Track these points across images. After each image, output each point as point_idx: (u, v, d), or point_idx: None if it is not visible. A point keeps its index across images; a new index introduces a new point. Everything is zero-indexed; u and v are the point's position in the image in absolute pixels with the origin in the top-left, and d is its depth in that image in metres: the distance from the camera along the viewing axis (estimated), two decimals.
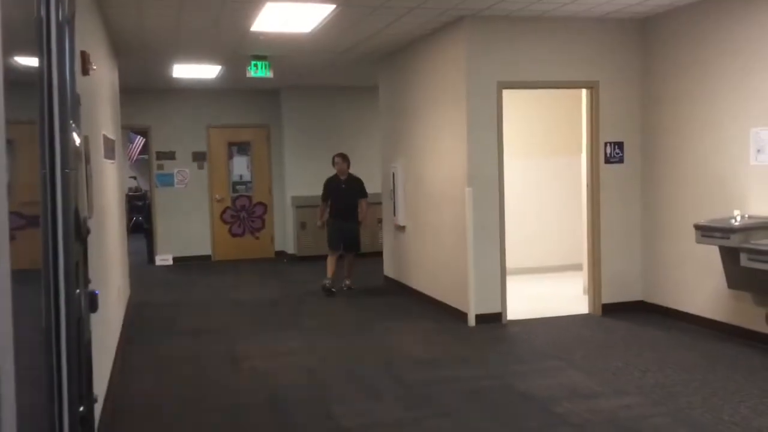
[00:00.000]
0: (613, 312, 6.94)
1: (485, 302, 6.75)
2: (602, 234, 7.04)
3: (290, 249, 11.90)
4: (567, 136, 8.86)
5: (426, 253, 7.97)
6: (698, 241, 5.82)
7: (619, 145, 7.06)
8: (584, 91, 7.11)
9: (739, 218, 5.57)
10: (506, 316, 6.80)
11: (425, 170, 7.93)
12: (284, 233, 12.13)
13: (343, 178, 8.65)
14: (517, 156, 8.90)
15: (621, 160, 7.08)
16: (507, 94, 6.87)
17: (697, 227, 5.81)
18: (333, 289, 8.39)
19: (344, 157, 8.71)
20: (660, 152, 6.86)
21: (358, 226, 8.67)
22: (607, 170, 7.04)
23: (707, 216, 5.97)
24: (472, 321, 6.69)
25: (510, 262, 7.09)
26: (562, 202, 9.27)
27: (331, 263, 8.53)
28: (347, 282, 8.70)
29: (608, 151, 7.05)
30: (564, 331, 6.43)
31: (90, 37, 5.02)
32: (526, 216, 9.15)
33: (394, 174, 8.87)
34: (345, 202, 8.56)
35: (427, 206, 7.88)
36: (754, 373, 4.97)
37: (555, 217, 9.36)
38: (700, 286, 6.34)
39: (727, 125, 6.02)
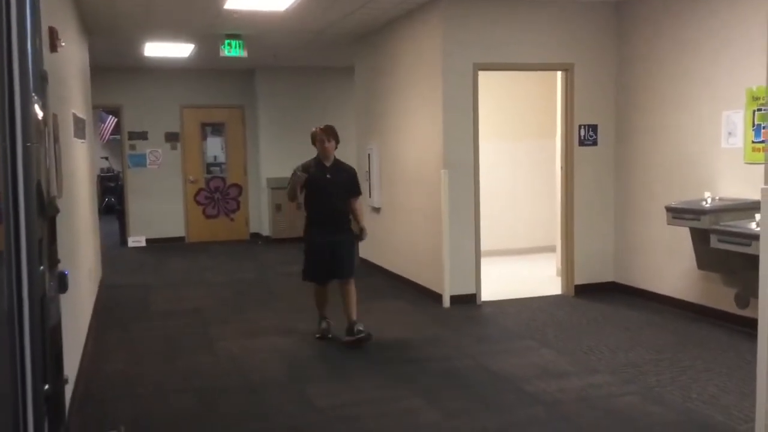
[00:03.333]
0: (585, 293, 7.02)
1: (460, 283, 6.78)
2: (575, 216, 7.10)
3: (265, 231, 11.85)
4: (542, 119, 8.90)
5: (401, 234, 7.98)
6: (669, 223, 5.90)
7: (593, 127, 7.10)
8: (559, 74, 7.13)
9: (709, 200, 5.64)
10: (480, 297, 6.85)
11: (401, 152, 7.92)
12: (259, 215, 12.06)
13: (327, 164, 5.55)
14: (493, 138, 8.92)
15: (595, 143, 7.13)
16: (483, 76, 6.86)
17: (669, 209, 5.88)
18: (330, 335, 5.72)
19: (330, 132, 5.58)
20: (633, 135, 6.92)
21: (354, 240, 5.66)
22: (581, 153, 7.08)
23: (679, 198, 6.05)
24: (446, 302, 6.73)
25: (484, 244, 7.13)
26: (536, 185, 9.33)
27: (320, 296, 5.77)
28: (357, 326, 5.51)
29: (582, 133, 7.09)
30: (537, 312, 6.49)
31: (59, 14, 4.90)
32: (500, 198, 9.20)
33: (369, 155, 8.84)
34: (331, 202, 5.48)
35: (403, 188, 7.87)
36: (723, 353, 5.07)
37: (529, 200, 9.42)
38: (671, 267, 6.44)
39: (699, 108, 6.08)
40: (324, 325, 5.78)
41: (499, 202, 9.13)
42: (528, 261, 8.87)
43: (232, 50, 8.34)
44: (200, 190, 11.94)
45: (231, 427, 4.03)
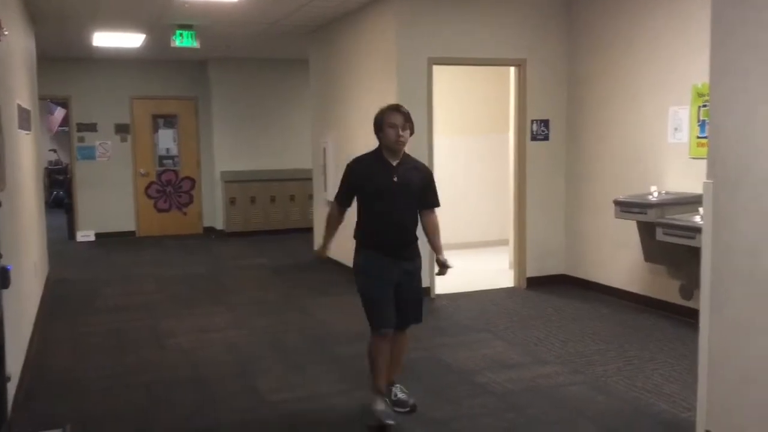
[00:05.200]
0: (537, 285, 7.13)
1: None
2: (528, 210, 7.19)
3: (219, 225, 11.70)
4: (496, 114, 8.98)
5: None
6: (617, 216, 6.02)
7: (545, 122, 7.20)
8: (512, 69, 7.21)
9: (655, 194, 5.78)
10: (434, 290, 6.88)
11: (356, 145, 7.88)
12: (213, 209, 11.90)
13: (394, 162, 3.89)
14: (447, 133, 8.98)
15: (546, 138, 7.23)
16: (437, 71, 6.89)
17: (616, 203, 6.01)
18: (390, 421, 3.79)
19: (408, 116, 3.93)
20: (583, 129, 7.04)
21: (419, 268, 4.02)
22: (534, 147, 7.18)
23: (626, 192, 6.18)
24: None
25: None
26: (490, 179, 9.42)
27: (383, 354, 3.93)
28: (397, 390, 4.06)
29: (534, 128, 7.18)
30: (490, 305, 6.56)
31: (1, 2, 4.74)
32: (455, 192, 9.25)
33: (325, 149, 8.80)
34: (399, 216, 3.88)
35: None
36: (667, 342, 5.20)
37: (483, 194, 9.50)
38: (619, 260, 6.58)
39: (646, 103, 6.22)
40: (381, 407, 3.85)
41: (453, 196, 9.17)
42: (482, 254, 8.95)
43: (184, 40, 8.20)
44: (151, 183, 11.72)
45: (180, 423, 3.98)
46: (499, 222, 8.94)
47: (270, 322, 6.11)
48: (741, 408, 3.19)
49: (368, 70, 7.43)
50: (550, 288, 7.05)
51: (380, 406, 3.87)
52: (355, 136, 7.90)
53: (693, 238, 4.80)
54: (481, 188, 9.52)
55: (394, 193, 3.82)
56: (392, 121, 3.85)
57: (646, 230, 5.78)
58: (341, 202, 4.02)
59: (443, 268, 3.98)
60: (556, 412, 3.97)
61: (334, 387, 4.47)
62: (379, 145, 3.94)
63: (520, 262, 7.28)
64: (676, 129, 5.95)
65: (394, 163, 3.87)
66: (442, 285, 6.99)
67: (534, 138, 7.18)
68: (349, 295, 7.07)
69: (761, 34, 3.01)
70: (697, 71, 5.54)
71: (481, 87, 9.27)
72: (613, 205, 6.06)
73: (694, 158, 5.70)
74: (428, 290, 6.84)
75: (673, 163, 5.97)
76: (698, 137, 5.68)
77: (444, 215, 8.22)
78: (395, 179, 3.83)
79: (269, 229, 11.43)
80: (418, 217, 3.97)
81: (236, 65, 11.45)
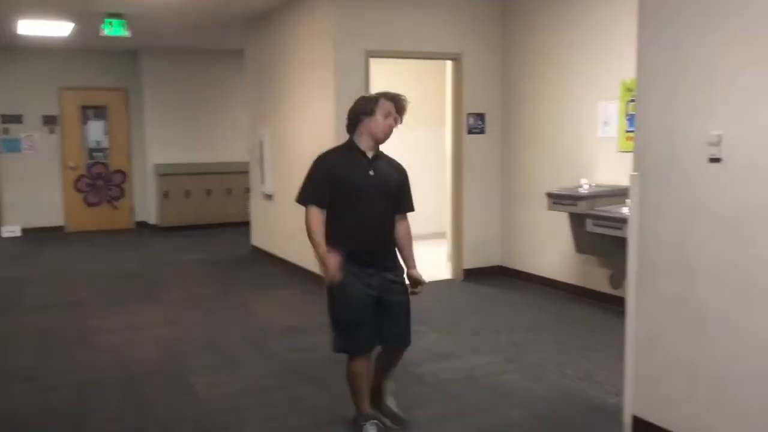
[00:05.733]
0: (474, 277, 7.22)
1: None
2: (464, 203, 7.27)
3: (152, 219, 11.42)
4: (433, 107, 9.03)
5: (295, 221, 7.85)
6: (550, 208, 6.16)
7: (481, 116, 7.29)
8: (448, 63, 7.26)
9: (586, 187, 5.93)
10: None
11: (294, 138, 7.83)
12: (145, 203, 11.59)
13: (369, 155, 3.43)
14: None
15: (482, 131, 7.31)
16: (376, 64, 6.88)
17: (549, 195, 6.14)
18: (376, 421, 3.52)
19: (402, 104, 3.46)
20: (518, 123, 7.15)
21: (403, 279, 3.54)
22: (470, 141, 7.25)
23: (559, 184, 6.31)
24: None
25: None
26: (428, 172, 9.46)
27: (360, 376, 3.49)
28: (393, 407, 3.66)
29: (471, 122, 7.26)
30: (427, 297, 6.51)
31: None
32: None
33: (262, 142, 8.69)
34: (377, 216, 3.40)
35: (296, 175, 7.72)
36: (598, 331, 5.35)
37: (421, 186, 9.50)
38: (552, 251, 6.72)
39: (577, 98, 6.37)
40: (372, 429, 3.45)
41: None
42: (420, 247, 8.92)
43: (114, 29, 7.94)
44: (81, 176, 11.33)
45: (111, 422, 3.87)
46: (437, 215, 9.01)
47: (205, 319, 6.01)
48: (665, 392, 3.31)
49: (305, 61, 7.36)
50: (487, 279, 7.16)
51: (369, 429, 3.43)
52: (292, 128, 7.83)
53: (620, 228, 4.94)
54: (419, 181, 9.49)
55: (370, 189, 3.30)
56: (390, 110, 3.37)
57: (577, 222, 5.92)
58: (319, 202, 3.27)
59: (417, 284, 3.46)
60: (490, 400, 4.04)
61: (269, 382, 4.42)
62: (352, 137, 3.40)
63: (457, 255, 7.36)
64: (605, 123, 6.10)
65: (370, 155, 3.38)
66: None
67: (470, 131, 7.25)
68: (286, 288, 7.04)
69: (684, 34, 3.11)
70: (626, 66, 5.66)
71: (419, 80, 9.30)
72: (546, 197, 6.19)
73: (623, 151, 5.86)
74: None
75: (602, 157, 6.14)
76: (627, 131, 5.85)
77: None
78: (371, 173, 3.34)
79: (205, 223, 11.21)
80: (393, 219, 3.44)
81: (169, 55, 11.17)
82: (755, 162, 2.82)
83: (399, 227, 3.49)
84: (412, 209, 3.52)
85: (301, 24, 7.40)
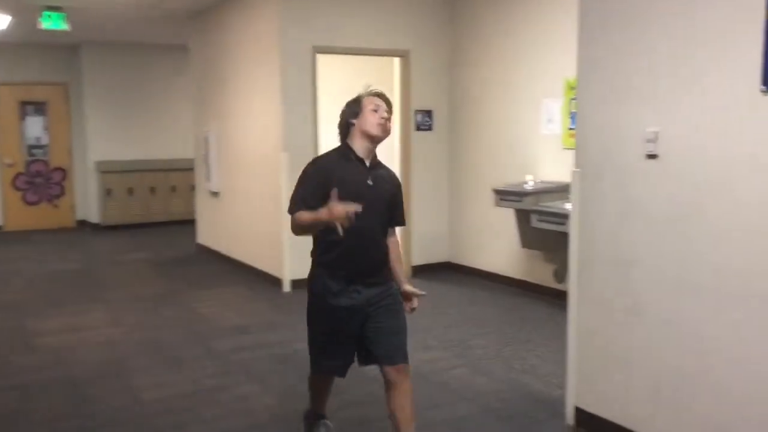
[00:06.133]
0: (422, 273, 7.26)
1: (301, 267, 6.70)
2: (413, 199, 7.30)
3: (94, 218, 11.12)
4: None
5: (241, 219, 7.81)
6: (496, 205, 6.24)
7: (429, 113, 7.33)
8: (396, 60, 7.27)
9: (531, 183, 6.02)
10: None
11: (240, 135, 7.73)
12: (86, 201, 11.27)
13: (367, 162, 3.07)
14: (335, 122, 8.93)
15: (430, 128, 7.36)
16: (326, 59, 6.85)
17: (495, 191, 6.21)
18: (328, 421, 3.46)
19: (389, 105, 3.11)
20: (465, 120, 7.22)
21: (397, 291, 3.13)
22: (418, 137, 7.29)
23: (505, 181, 6.40)
24: (287, 287, 6.68)
25: None
26: None
27: (320, 382, 3.34)
28: None
29: (418, 118, 7.30)
30: None
31: None
32: None
33: (207, 138, 8.56)
34: (374, 227, 3.05)
35: (242, 172, 7.70)
36: (543, 325, 5.45)
37: None
38: (499, 247, 6.81)
39: (522, 96, 6.46)
40: (322, 430, 3.42)
41: None
42: None
43: (53, 23, 7.69)
44: (19, 174, 10.97)
45: (51, 425, 3.75)
46: None
47: (148, 318, 5.88)
48: (605, 384, 3.39)
49: (251, 57, 7.27)
50: (435, 275, 7.21)
51: (320, 429, 3.39)
52: (238, 124, 7.73)
53: (563, 224, 5.03)
54: None
55: (368, 201, 2.84)
56: (377, 104, 3.02)
57: (523, 217, 6.01)
58: (309, 208, 2.85)
59: (412, 298, 3.09)
60: (438, 395, 4.06)
61: (214, 382, 4.36)
62: (345, 143, 3.08)
63: (405, 251, 7.38)
64: (549, 120, 6.21)
65: (368, 163, 3.02)
66: None
67: (418, 128, 7.29)
68: (232, 287, 6.95)
69: (620, 35, 3.19)
70: (570, 65, 5.72)
71: (367, 77, 9.29)
72: (492, 193, 6.26)
73: (566, 149, 5.98)
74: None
75: (547, 153, 6.24)
76: (570, 128, 5.96)
77: None
78: (369, 182, 2.99)
79: (149, 221, 10.99)
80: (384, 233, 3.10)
81: (111, 50, 10.88)
82: (689, 159, 2.91)
83: (390, 241, 3.14)
84: (403, 223, 3.20)
85: (246, 18, 7.31)
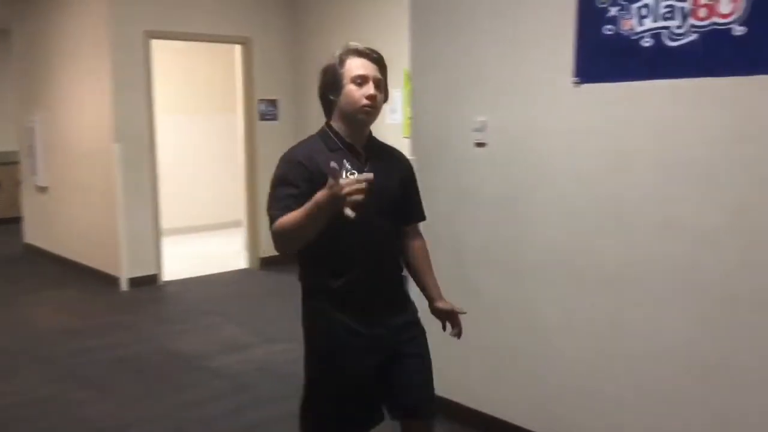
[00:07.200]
0: (270, 265, 7.15)
1: (139, 264, 6.44)
2: (259, 191, 7.16)
3: None
4: (225, 93, 8.80)
5: (72, 215, 7.29)
6: None
7: (273, 102, 7.22)
8: (237, 47, 7.09)
9: None
10: (163, 276, 6.59)
11: (69, 125, 7.20)
12: None
13: (359, 147, 2.24)
14: (172, 111, 8.59)
15: (275, 118, 7.25)
16: (161, 46, 6.54)
17: None
18: None
19: (380, 65, 2.33)
20: (310, 110, 7.18)
21: (418, 319, 2.36)
22: (263, 127, 7.16)
23: None
24: (124, 285, 6.34)
25: (167, 222, 6.88)
26: (220, 160, 9.23)
27: None
28: None
29: (263, 108, 7.17)
30: (223, 288, 6.46)
31: None
32: (183, 174, 8.94)
33: (32, 129, 7.91)
34: (378, 233, 2.18)
35: (73, 164, 7.18)
36: None
37: (213, 175, 9.30)
38: None
39: None
40: None
41: (181, 178, 8.86)
42: (215, 237, 8.77)
43: None
44: None
45: None
46: (231, 203, 8.82)
47: None
48: (445, 364, 3.50)
49: (79, 42, 6.78)
50: (283, 267, 7.12)
51: None
52: (67, 114, 7.21)
53: None
54: (213, 169, 9.31)
55: (371, 201, 1.91)
56: (358, 73, 2.22)
57: None
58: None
59: (453, 318, 2.37)
60: (285, 388, 4.02)
61: (45, 390, 4.05)
62: (328, 123, 2.31)
63: (253, 243, 7.25)
64: (392, 110, 6.33)
65: (360, 149, 2.25)
66: (173, 271, 6.73)
67: (263, 118, 7.16)
68: (64, 288, 6.48)
69: (445, 40, 3.34)
70: (409, 56, 5.94)
71: (208, 64, 9.02)
72: None
73: (407, 138, 6.11)
74: (155, 277, 6.53)
75: (391, 142, 6.33)
76: (410, 118, 6.10)
77: (172, 198, 7.99)
78: (367, 171, 2.01)
79: None
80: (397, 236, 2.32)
81: None
82: (514, 148, 3.07)
83: (411, 245, 2.37)
84: (423, 217, 2.40)
85: (73, 0, 6.81)
